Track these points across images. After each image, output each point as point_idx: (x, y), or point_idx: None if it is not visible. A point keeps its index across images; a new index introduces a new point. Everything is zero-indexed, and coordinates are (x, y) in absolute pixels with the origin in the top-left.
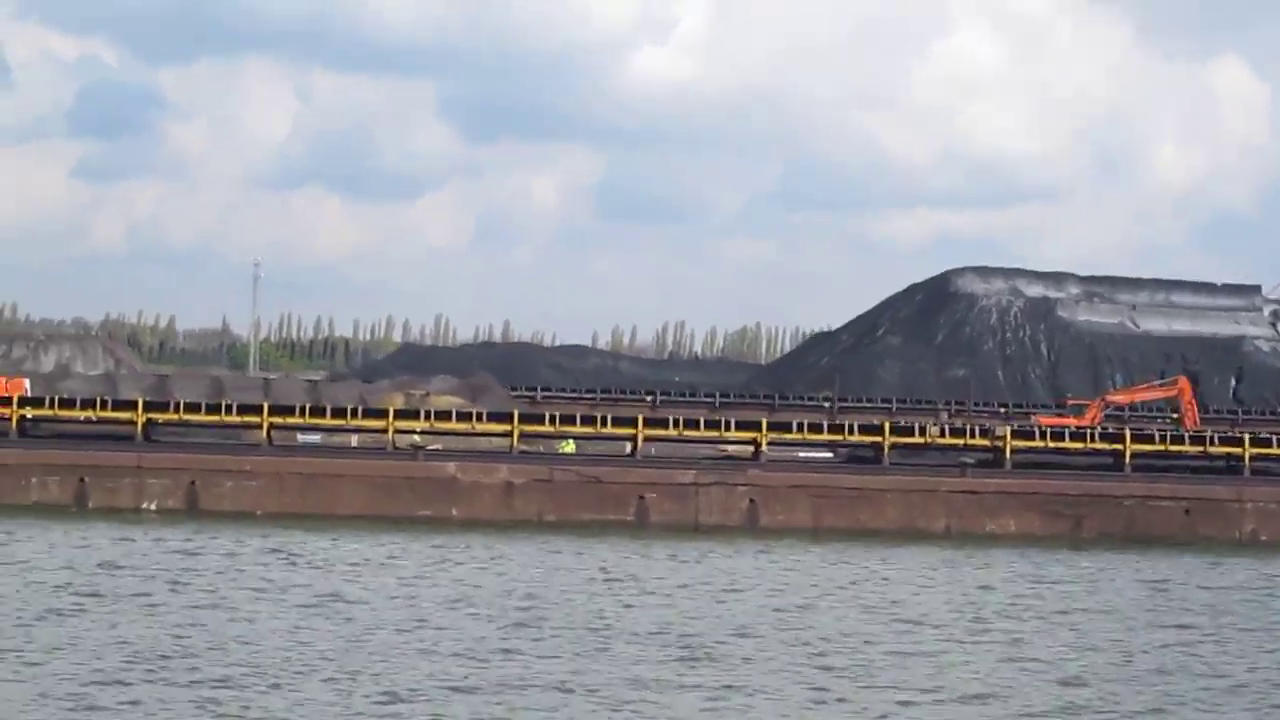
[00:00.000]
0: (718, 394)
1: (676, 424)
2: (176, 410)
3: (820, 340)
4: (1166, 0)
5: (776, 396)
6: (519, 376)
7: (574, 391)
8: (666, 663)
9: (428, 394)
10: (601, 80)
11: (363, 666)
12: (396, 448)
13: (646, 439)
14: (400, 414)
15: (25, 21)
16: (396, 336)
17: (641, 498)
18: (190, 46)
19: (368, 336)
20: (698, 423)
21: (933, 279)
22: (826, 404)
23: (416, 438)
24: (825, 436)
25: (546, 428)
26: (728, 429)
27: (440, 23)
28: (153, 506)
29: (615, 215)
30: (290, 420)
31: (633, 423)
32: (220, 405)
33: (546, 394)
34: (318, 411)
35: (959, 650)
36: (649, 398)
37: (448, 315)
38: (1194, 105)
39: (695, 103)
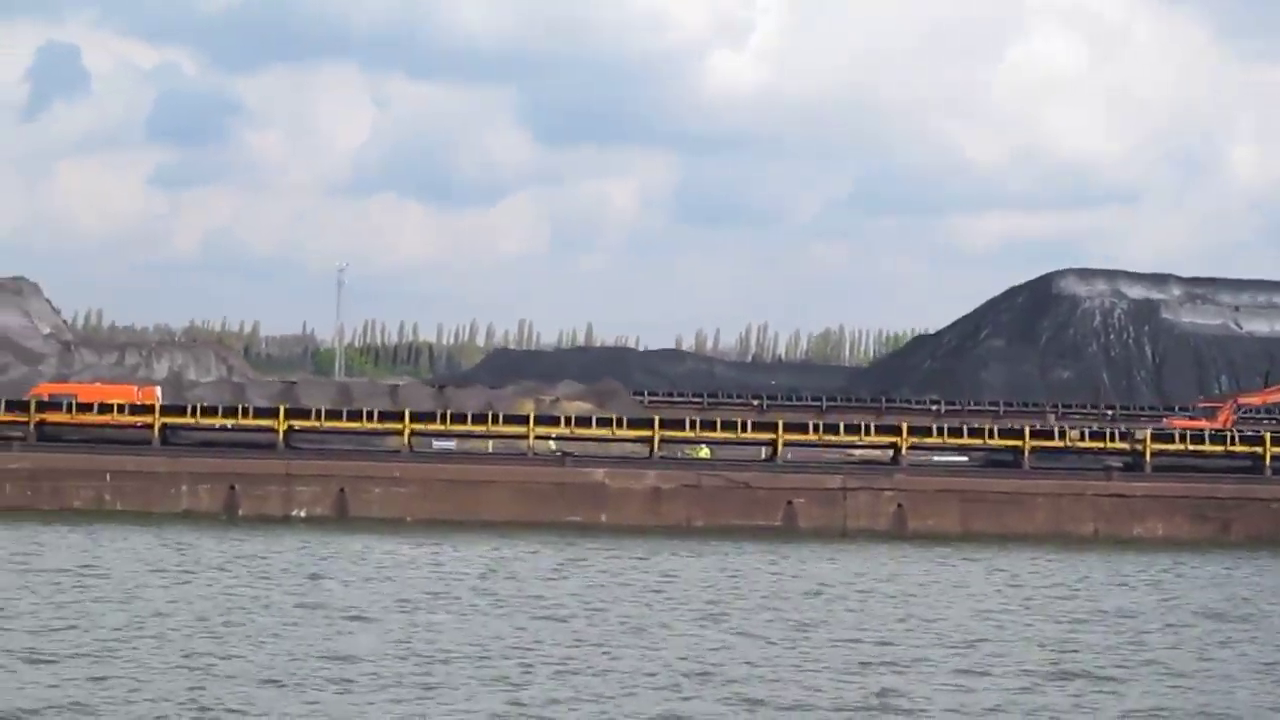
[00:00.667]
0: (824, 398)
1: (816, 429)
2: (318, 418)
3: (920, 343)
4: (1244, 1)
5: (883, 399)
6: (615, 378)
7: (679, 395)
8: None
9: (558, 399)
10: (679, 86)
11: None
12: (536, 454)
13: (786, 443)
14: (541, 420)
15: (103, 31)
16: (479, 341)
17: (790, 503)
18: (267, 54)
19: (451, 341)
20: (837, 427)
21: (1034, 281)
22: (934, 407)
23: (552, 444)
24: (965, 440)
25: (687, 433)
26: (867, 433)
27: (518, 30)
28: (302, 514)
29: (691, 220)
30: (432, 427)
31: (773, 427)
32: (361, 412)
33: (654, 399)
34: (459, 418)
35: None
36: (755, 401)
37: (530, 320)
38: (1271, 105)
39: (772, 107)
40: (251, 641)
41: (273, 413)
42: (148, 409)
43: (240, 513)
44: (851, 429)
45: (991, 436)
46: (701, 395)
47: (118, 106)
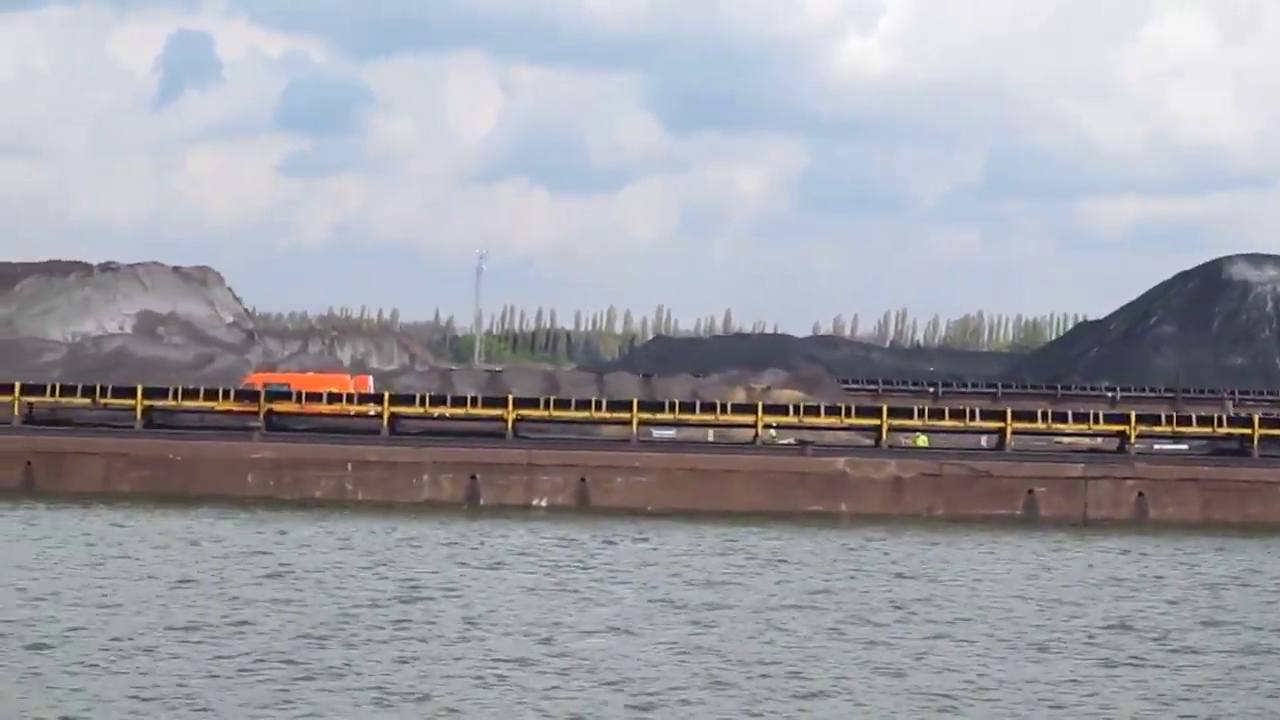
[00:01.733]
0: (999, 384)
1: (1045, 417)
2: (547, 406)
3: (1087, 329)
4: None
5: (1059, 387)
6: (771, 366)
7: (853, 382)
8: None
9: (769, 388)
10: (807, 71)
11: None
12: (764, 443)
13: (1015, 431)
14: (769, 409)
15: (233, 19)
16: (617, 328)
17: (1030, 491)
18: (396, 42)
19: (589, 327)
20: (1066, 416)
21: (1203, 266)
22: (1110, 394)
23: (773, 432)
24: (1194, 429)
25: (915, 422)
26: (1096, 421)
27: (647, 15)
28: (543, 503)
29: (818, 206)
30: (661, 416)
31: (1001, 415)
32: (591, 402)
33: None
34: (687, 407)
35: None
36: (930, 389)
37: (668, 306)
38: None
39: (900, 92)
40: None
41: (501, 402)
42: (376, 398)
43: (481, 502)
44: (1080, 418)
45: (1221, 425)
46: (876, 383)
47: (248, 94)
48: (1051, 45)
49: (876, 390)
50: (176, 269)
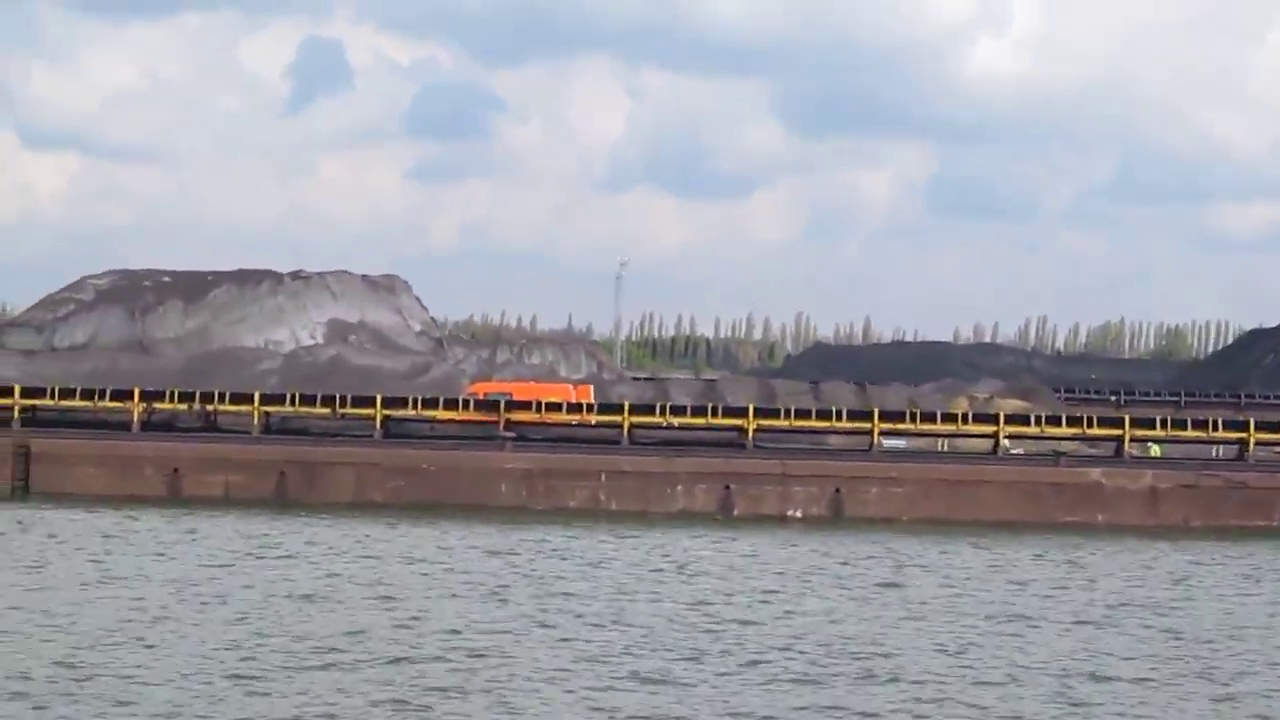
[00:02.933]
0: (1181, 393)
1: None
2: (786, 417)
3: (1258, 337)
4: None
5: (1243, 395)
6: (934, 374)
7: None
8: None
9: (991, 397)
10: (937, 75)
11: None
12: (1005, 454)
13: (1259, 443)
14: (1011, 419)
15: (362, 27)
16: (756, 334)
17: None
18: (524, 48)
19: (727, 334)
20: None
21: None
22: None
23: (1006, 442)
24: None
25: (1158, 432)
26: None
27: (776, 20)
28: (798, 513)
29: (947, 210)
30: (900, 426)
31: (1244, 426)
32: (832, 412)
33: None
34: (928, 417)
35: None
36: (1113, 397)
37: (806, 313)
38: None
39: (1030, 96)
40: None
41: (741, 412)
42: (616, 408)
43: (735, 512)
44: None
45: None
46: (1059, 391)
47: (377, 101)
48: (1181, 48)
49: (1076, 398)
50: (364, 277)
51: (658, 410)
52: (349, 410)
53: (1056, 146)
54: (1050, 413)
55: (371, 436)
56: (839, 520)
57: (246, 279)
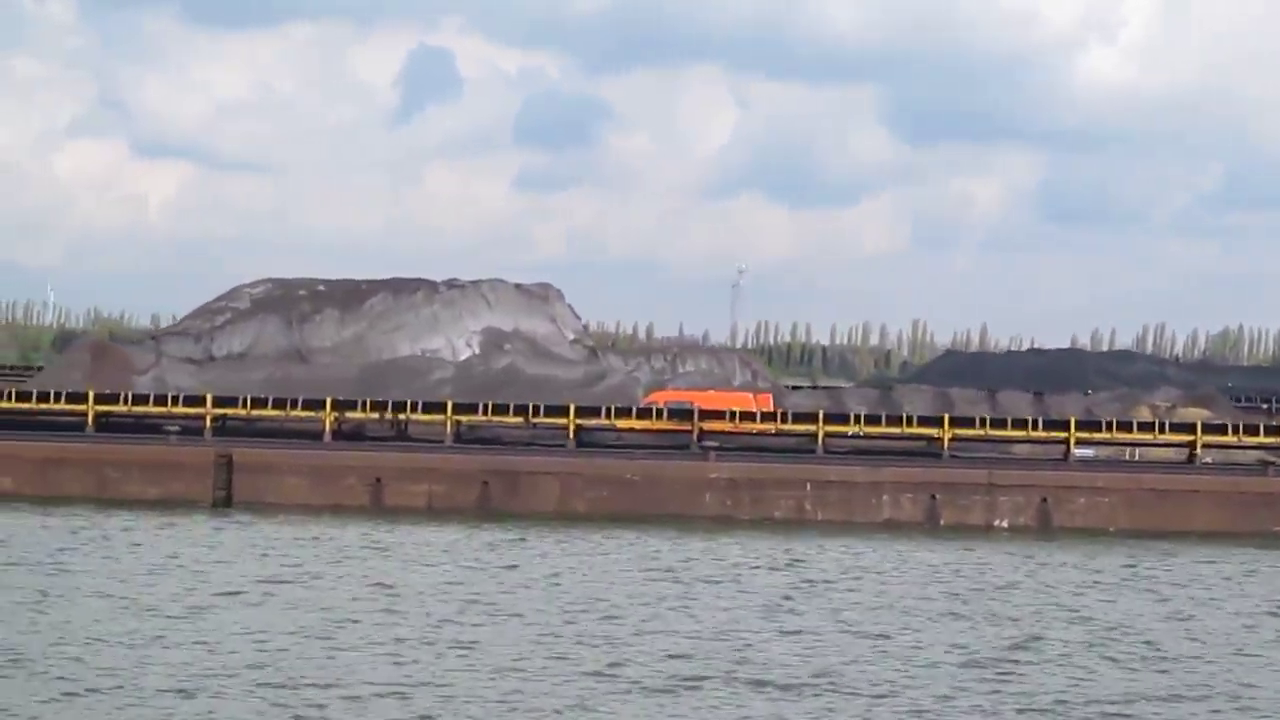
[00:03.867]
0: None
1: None
2: (981, 426)
3: None
4: None
5: None
6: (1070, 382)
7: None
8: None
9: (1173, 406)
10: (1047, 82)
11: None
12: (1201, 464)
13: None
14: (1207, 429)
15: (470, 36)
16: (873, 341)
17: None
18: (632, 57)
19: (844, 341)
20: None
21: None
22: None
23: (1200, 450)
24: None
25: None
26: None
27: (884, 28)
28: (1004, 524)
29: (1056, 218)
30: (1097, 436)
31: None
32: (1027, 422)
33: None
34: (1123, 426)
35: None
36: (1264, 405)
37: (924, 320)
38: None
39: (1140, 103)
40: None
41: (936, 421)
42: (810, 417)
43: (941, 522)
44: None
45: None
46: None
47: (485, 111)
48: None
49: (1240, 407)
50: (518, 286)
51: (851, 419)
52: (541, 420)
53: (1167, 153)
54: (1233, 421)
55: (564, 446)
56: (1047, 531)
57: (402, 288)
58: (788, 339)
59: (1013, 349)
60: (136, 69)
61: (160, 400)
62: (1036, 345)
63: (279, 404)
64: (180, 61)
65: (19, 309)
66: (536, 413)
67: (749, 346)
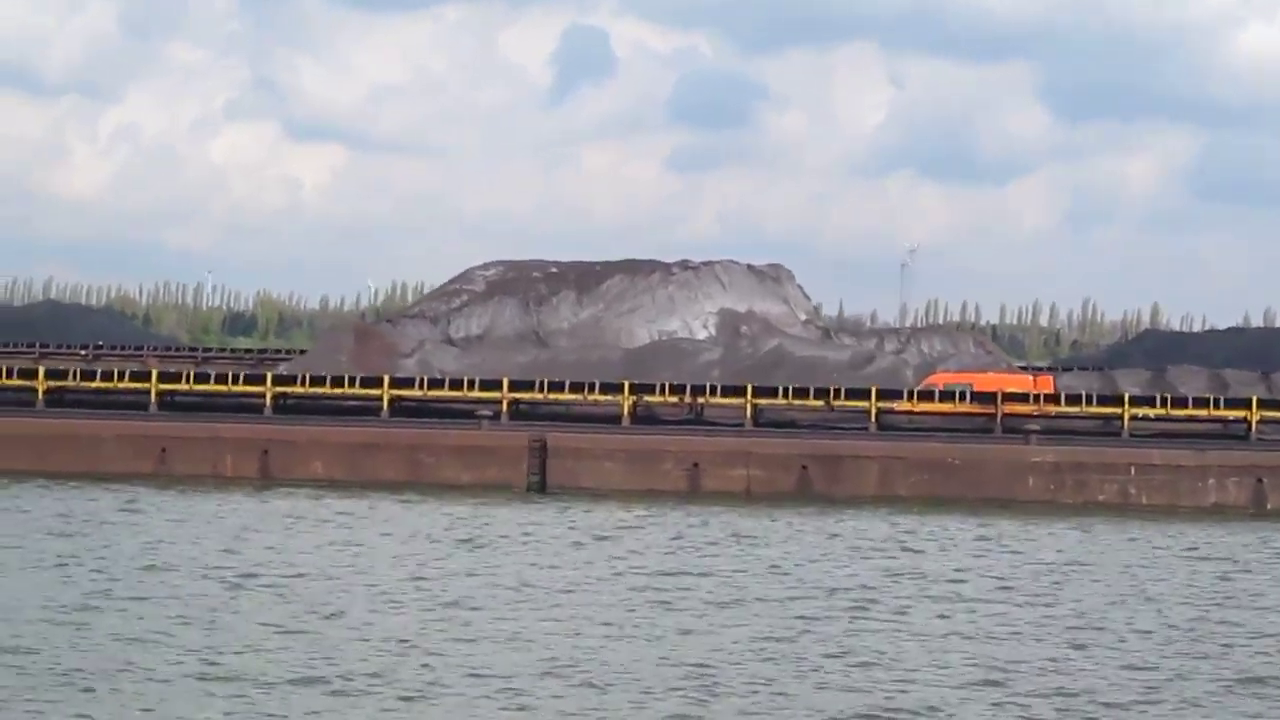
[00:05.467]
0: None
1: None
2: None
3: None
4: None
5: None
6: (1272, 362)
7: None
8: None
9: None
10: (1205, 59)
11: None
12: None
13: None
14: None
15: (623, 16)
16: (1043, 321)
17: None
18: (787, 36)
19: (1013, 321)
20: None
21: None
22: None
23: None
24: None
25: None
26: None
27: (1037, 4)
28: None
29: (1213, 195)
30: None
31: None
32: None
33: None
34: None
35: None
36: None
37: (1093, 300)
38: None
39: None
40: None
41: (1243, 403)
42: (1115, 400)
43: (1268, 506)
44: None
45: None
46: None
47: (639, 91)
48: None
49: None
50: (750, 266)
51: (1158, 401)
52: (842, 403)
53: None
54: None
55: (866, 429)
56: None
57: (637, 269)
58: (956, 318)
59: (1169, 328)
60: (291, 53)
61: (456, 384)
62: (1210, 324)
63: (576, 387)
64: (334, 45)
65: (188, 292)
66: (838, 396)
67: (918, 325)
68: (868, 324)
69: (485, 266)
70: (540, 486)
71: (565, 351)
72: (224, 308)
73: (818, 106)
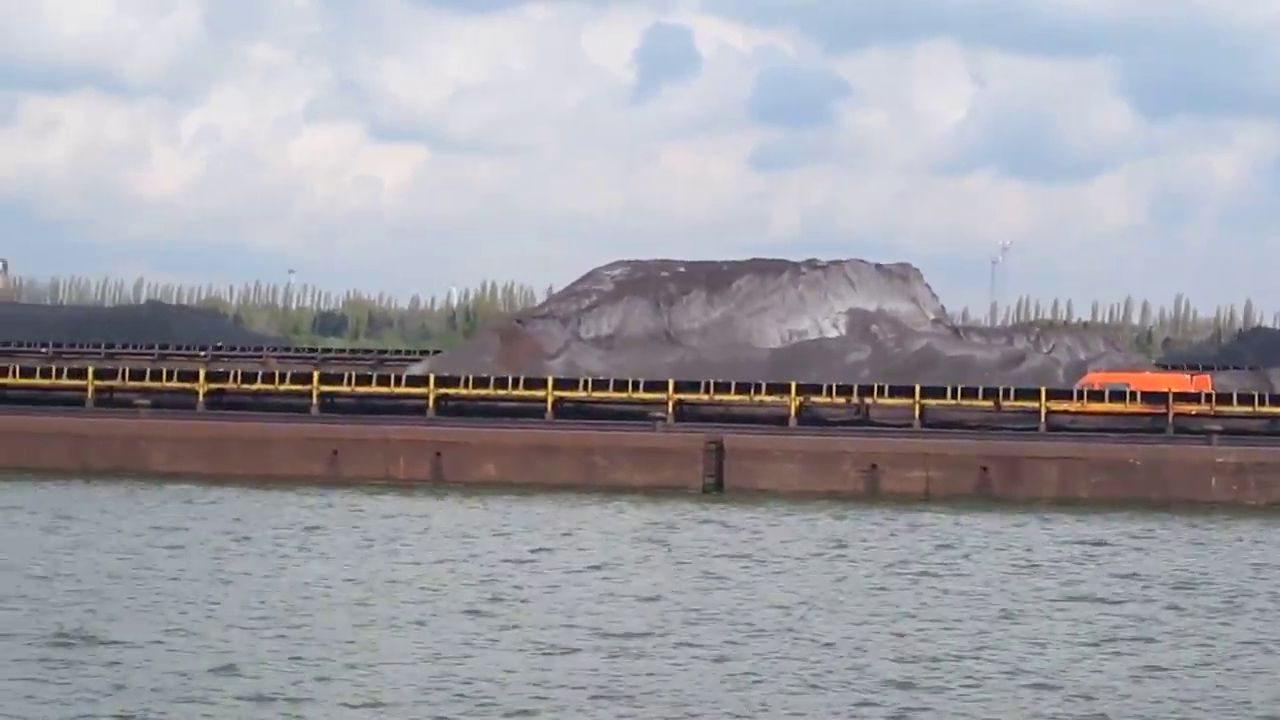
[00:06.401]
0: None
1: None
2: None
3: None
4: None
5: None
6: None
7: None
8: None
9: None
10: None
11: None
12: None
13: None
14: None
15: (704, 15)
16: (1135, 319)
17: None
18: (868, 34)
19: (1105, 319)
20: None
21: None
22: None
23: None
24: None
25: None
26: None
27: (1123, 1)
28: None
29: None
30: None
31: None
32: None
33: None
34: None
35: None
36: None
37: (1186, 297)
38: None
39: None
40: None
41: None
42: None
43: None
44: None
45: None
46: None
47: (720, 89)
48: None
49: None
50: (878, 266)
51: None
52: (1010, 403)
53: None
54: None
55: (1035, 430)
56: None
57: (766, 268)
58: (1048, 316)
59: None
60: (373, 53)
61: (620, 385)
62: None
63: (742, 388)
64: (416, 45)
65: (277, 292)
66: (1006, 396)
67: (1009, 323)
68: (959, 322)
69: (611, 266)
70: (717, 488)
71: (708, 351)
72: (314, 308)
73: (898, 104)
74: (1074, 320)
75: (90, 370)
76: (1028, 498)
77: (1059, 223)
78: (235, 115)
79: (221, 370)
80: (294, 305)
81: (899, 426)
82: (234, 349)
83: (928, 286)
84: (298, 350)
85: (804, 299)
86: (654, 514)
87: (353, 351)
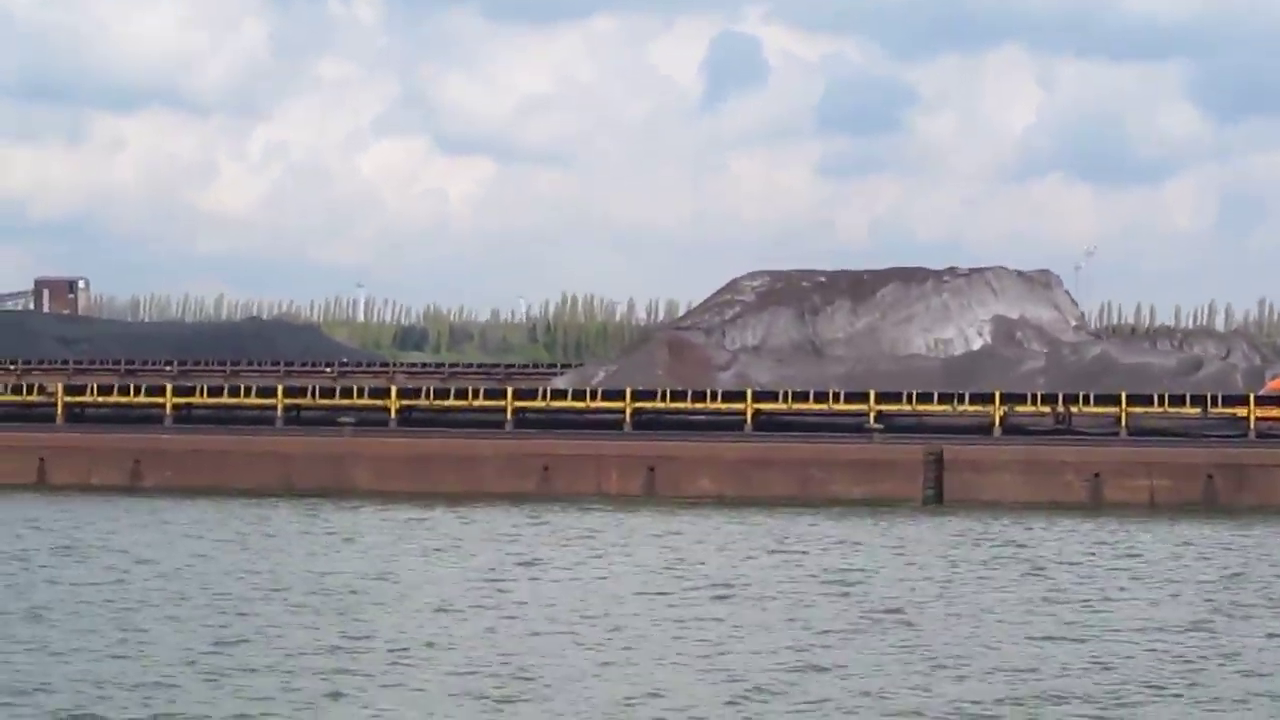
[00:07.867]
0: None
1: None
2: None
3: None
4: None
5: None
6: None
7: None
8: None
9: None
10: None
11: None
12: None
13: None
14: None
15: (771, 23)
16: (1218, 323)
17: None
18: (936, 41)
19: (1189, 323)
20: None
21: None
22: None
23: None
24: None
25: None
26: None
27: (1189, 4)
28: None
29: None
30: None
31: None
32: None
33: None
34: None
35: None
36: None
37: (1269, 299)
38: None
39: None
40: None
41: None
42: None
43: None
44: None
45: None
46: None
47: (788, 97)
48: None
49: None
50: (1019, 273)
51: None
52: (1218, 410)
53: None
54: None
55: (1246, 436)
56: None
57: (910, 277)
58: (1131, 320)
59: None
60: (440, 67)
61: (821, 397)
62: None
63: (945, 398)
64: (482, 58)
65: (356, 307)
66: (1215, 403)
67: (1089, 328)
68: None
69: (751, 277)
70: (937, 499)
71: (882, 361)
72: (394, 322)
73: (967, 110)
74: (1157, 324)
75: (280, 389)
76: (1255, 505)
77: (1130, 226)
78: (303, 131)
79: (413, 387)
80: (374, 319)
81: (1102, 435)
82: (359, 365)
83: (1067, 293)
84: (409, 366)
85: (948, 307)
86: (956, 528)
87: (480, 366)
